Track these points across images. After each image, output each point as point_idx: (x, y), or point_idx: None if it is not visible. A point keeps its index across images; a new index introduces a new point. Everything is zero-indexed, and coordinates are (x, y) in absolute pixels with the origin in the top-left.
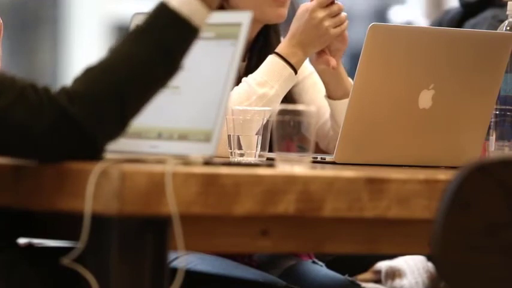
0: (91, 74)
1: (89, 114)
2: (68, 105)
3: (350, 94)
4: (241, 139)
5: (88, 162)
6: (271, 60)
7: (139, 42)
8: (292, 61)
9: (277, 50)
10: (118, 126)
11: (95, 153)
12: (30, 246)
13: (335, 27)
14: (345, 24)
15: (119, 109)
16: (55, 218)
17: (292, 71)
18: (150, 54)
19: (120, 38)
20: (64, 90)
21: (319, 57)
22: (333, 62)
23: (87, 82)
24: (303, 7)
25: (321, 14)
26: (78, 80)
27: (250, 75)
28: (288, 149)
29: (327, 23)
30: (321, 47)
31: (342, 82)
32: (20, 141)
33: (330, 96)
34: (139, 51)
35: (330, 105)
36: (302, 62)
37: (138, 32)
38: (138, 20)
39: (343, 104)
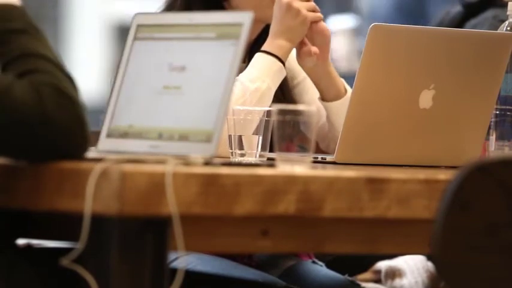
0: (44, 74)
1: (76, 91)
2: (61, 86)
3: (351, 94)
4: (243, 139)
5: (88, 162)
6: (258, 58)
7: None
8: (279, 54)
9: (262, 48)
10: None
11: (86, 129)
12: (29, 247)
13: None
14: (320, 14)
15: (71, 79)
16: (54, 218)
17: (281, 64)
18: (34, 28)
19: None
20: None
21: (300, 48)
22: (314, 49)
23: (50, 76)
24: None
25: None
26: (29, 85)
27: (241, 74)
28: (288, 149)
29: (296, 4)
30: (302, 30)
31: (333, 82)
32: (19, 126)
33: (323, 98)
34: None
35: (324, 107)
36: (289, 52)
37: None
38: (139, 20)
39: (337, 106)
